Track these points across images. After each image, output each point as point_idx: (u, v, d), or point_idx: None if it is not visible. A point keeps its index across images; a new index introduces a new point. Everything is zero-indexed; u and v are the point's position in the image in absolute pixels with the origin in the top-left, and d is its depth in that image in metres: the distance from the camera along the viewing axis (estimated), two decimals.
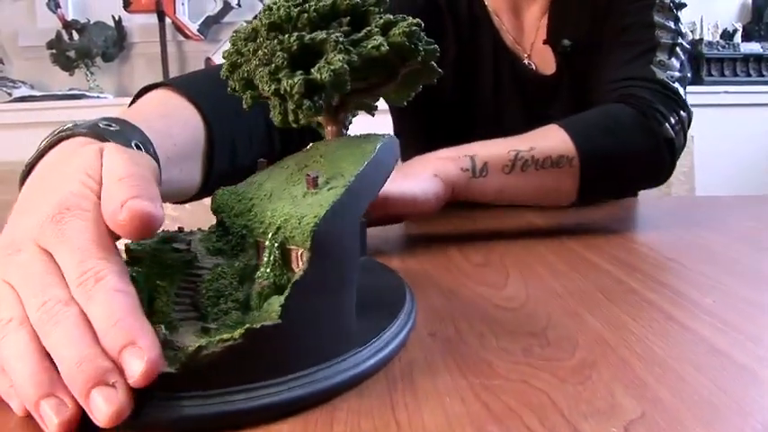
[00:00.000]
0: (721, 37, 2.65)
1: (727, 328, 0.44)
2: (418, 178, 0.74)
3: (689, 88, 0.95)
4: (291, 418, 0.33)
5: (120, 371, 0.31)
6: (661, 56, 0.93)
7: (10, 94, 2.37)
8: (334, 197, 0.37)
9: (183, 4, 2.42)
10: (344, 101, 0.46)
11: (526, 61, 1.07)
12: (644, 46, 0.94)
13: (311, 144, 0.47)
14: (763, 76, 2.58)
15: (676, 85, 0.91)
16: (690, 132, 0.94)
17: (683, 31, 0.98)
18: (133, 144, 0.47)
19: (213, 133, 0.65)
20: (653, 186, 0.92)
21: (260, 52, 0.43)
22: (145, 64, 2.53)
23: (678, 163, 0.90)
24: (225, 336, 0.32)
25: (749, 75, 2.57)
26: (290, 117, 0.43)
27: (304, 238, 0.35)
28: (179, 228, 0.46)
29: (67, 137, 0.45)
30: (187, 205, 0.69)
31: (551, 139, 0.81)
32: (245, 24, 0.46)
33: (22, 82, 2.44)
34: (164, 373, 0.31)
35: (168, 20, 2.42)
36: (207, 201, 0.66)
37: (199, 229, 0.46)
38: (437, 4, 1.06)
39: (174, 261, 0.41)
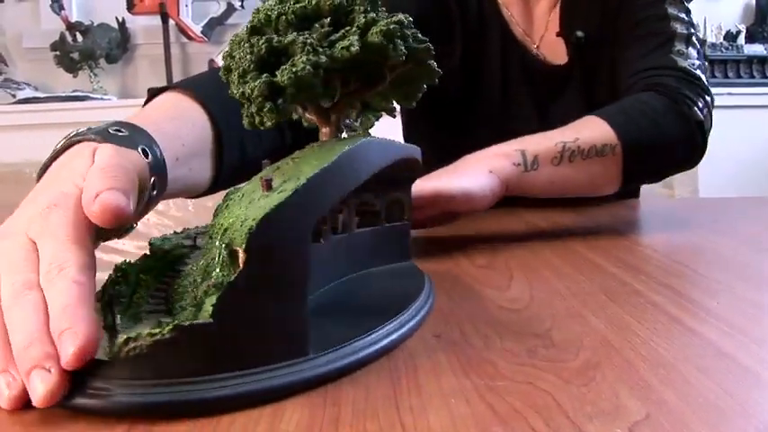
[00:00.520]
0: (725, 39, 2.65)
1: (731, 331, 0.44)
2: (473, 175, 0.75)
3: None
4: (297, 417, 0.33)
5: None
6: (679, 45, 0.97)
7: (14, 96, 2.37)
8: (277, 200, 0.36)
9: (186, 5, 2.42)
10: (336, 102, 0.46)
11: (535, 52, 1.08)
12: (661, 37, 0.98)
13: (309, 145, 0.47)
14: (766, 77, 2.58)
15: (698, 71, 0.94)
16: None
17: (695, 22, 1.01)
18: (140, 149, 0.49)
19: (221, 132, 0.67)
20: (687, 169, 0.95)
21: (237, 56, 0.44)
22: (148, 65, 2.54)
23: None
24: (154, 330, 0.33)
25: (753, 76, 2.57)
26: (256, 119, 0.43)
27: (242, 240, 0.35)
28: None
29: (78, 141, 0.47)
30: (190, 207, 0.70)
31: (593, 129, 0.84)
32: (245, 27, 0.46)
33: (26, 83, 2.45)
34: (98, 360, 0.34)
35: (172, 21, 2.42)
36: (209, 200, 0.67)
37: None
38: (446, 1, 1.06)
39: (162, 257, 0.44)
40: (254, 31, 0.44)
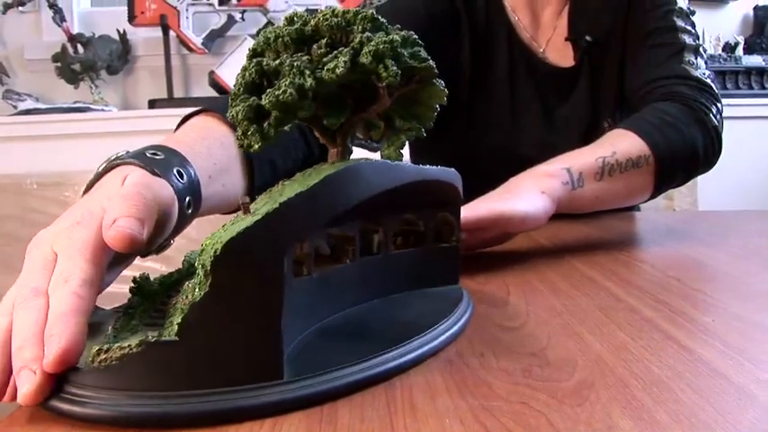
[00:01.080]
0: (723, 50, 2.65)
1: (726, 349, 0.45)
2: (528, 197, 0.76)
3: None
4: None
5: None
6: (689, 56, 1.01)
7: (15, 107, 2.38)
8: (245, 225, 0.36)
9: (187, 17, 2.43)
10: (342, 124, 0.46)
11: (541, 56, 1.11)
12: (672, 48, 1.02)
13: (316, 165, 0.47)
14: (765, 88, 2.58)
15: (708, 80, 0.99)
16: None
17: (699, 34, 1.06)
18: (175, 170, 0.53)
19: None
20: (706, 172, 0.98)
21: (237, 79, 0.44)
22: (149, 77, 2.54)
23: None
24: (124, 344, 0.36)
25: (751, 87, 2.57)
26: (244, 142, 0.43)
27: (209, 262, 0.36)
28: None
29: (118, 165, 0.51)
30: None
31: (627, 142, 0.87)
32: (248, 38, 0.46)
33: (28, 95, 2.45)
34: (76, 367, 0.37)
35: (172, 33, 2.43)
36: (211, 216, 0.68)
37: None
38: (454, 6, 1.09)
39: (178, 271, 0.46)
40: (255, 54, 0.44)
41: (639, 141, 0.87)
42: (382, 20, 0.45)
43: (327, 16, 0.44)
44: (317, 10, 0.45)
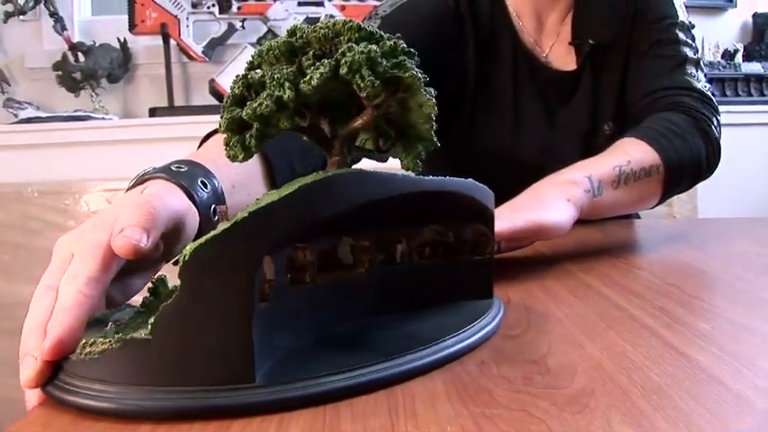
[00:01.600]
0: (722, 57, 2.66)
1: (725, 356, 0.45)
2: (558, 206, 0.78)
3: None
4: None
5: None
6: (690, 69, 1.04)
7: (16, 115, 2.38)
8: (215, 233, 0.38)
9: (187, 26, 2.44)
10: (335, 134, 0.46)
11: (543, 60, 1.13)
12: (675, 60, 1.05)
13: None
14: (764, 95, 2.59)
15: (709, 93, 1.02)
16: None
17: (699, 48, 1.10)
18: (199, 181, 0.57)
19: (269, 156, 0.74)
20: (703, 180, 1.01)
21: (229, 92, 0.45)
22: (150, 85, 2.55)
23: None
24: (106, 339, 0.39)
25: (750, 94, 2.58)
26: (230, 153, 0.45)
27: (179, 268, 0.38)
28: None
29: (146, 180, 0.56)
30: None
31: (639, 152, 0.89)
32: (248, 46, 0.47)
33: (28, 103, 2.46)
34: (68, 358, 0.40)
35: (173, 42, 2.43)
36: None
37: None
38: (458, 11, 1.10)
39: None
40: (252, 67, 0.45)
41: (651, 151, 0.90)
42: (372, 29, 0.45)
43: (317, 28, 0.44)
44: (317, 19, 0.46)
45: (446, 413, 0.37)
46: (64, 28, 2.44)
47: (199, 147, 0.74)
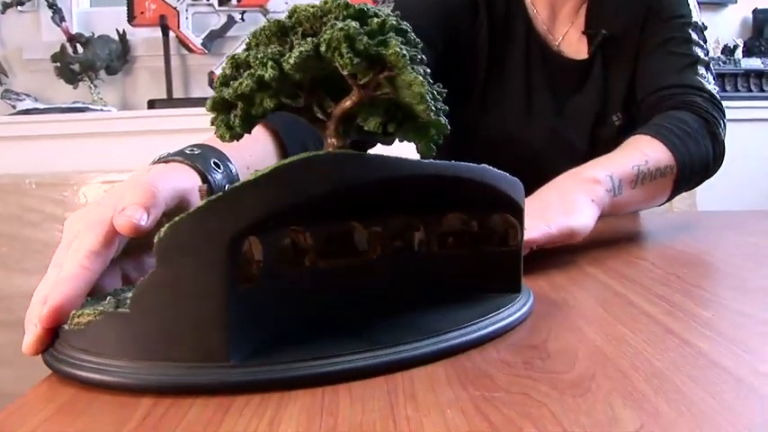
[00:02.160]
0: (722, 53, 2.66)
1: (726, 342, 0.45)
2: (586, 209, 0.78)
3: None
4: (294, 426, 0.33)
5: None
6: (701, 69, 1.05)
7: (14, 107, 2.37)
8: (190, 211, 0.38)
9: (186, 18, 2.43)
10: (329, 115, 0.45)
11: (556, 48, 1.14)
12: (687, 59, 1.06)
13: None
14: (764, 91, 2.58)
15: (718, 96, 1.03)
16: None
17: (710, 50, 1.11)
18: (212, 162, 0.59)
19: (282, 138, 0.77)
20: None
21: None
22: (149, 77, 2.54)
23: None
24: (90, 312, 0.41)
25: (750, 90, 2.58)
26: (216, 132, 0.45)
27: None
28: None
29: (163, 161, 0.58)
30: None
31: (655, 152, 0.90)
32: (247, 39, 0.47)
33: (27, 94, 2.45)
34: (61, 327, 0.42)
35: (172, 34, 2.43)
36: None
37: None
38: None
39: None
40: (248, 48, 0.45)
41: (666, 152, 0.91)
42: (363, 6, 0.43)
43: (308, 6, 0.43)
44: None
45: (446, 396, 0.37)
46: (62, 19, 2.43)
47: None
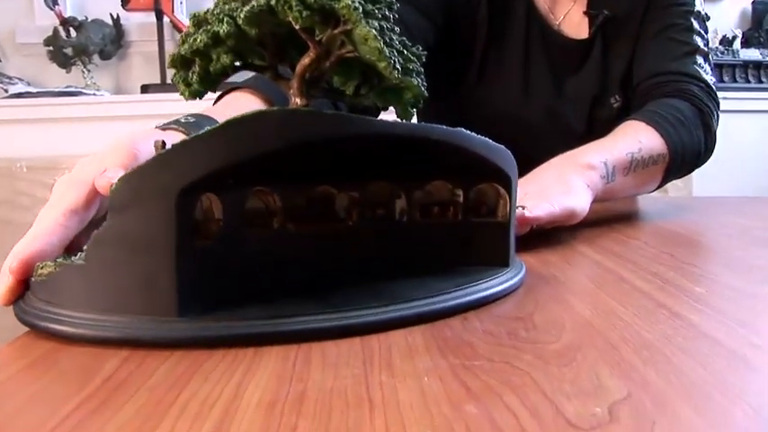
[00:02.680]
0: (721, 43, 2.65)
1: (718, 315, 0.43)
2: (581, 193, 0.78)
3: None
4: (259, 394, 0.32)
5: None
6: (699, 59, 1.04)
7: (6, 91, 2.35)
8: (143, 163, 0.38)
9: (180, 2, 2.41)
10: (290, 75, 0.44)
11: (556, 28, 1.12)
12: (687, 47, 1.05)
13: None
14: (762, 82, 2.57)
15: (714, 87, 1.02)
16: None
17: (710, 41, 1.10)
18: (206, 128, 0.56)
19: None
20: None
21: None
22: (142, 62, 2.53)
23: None
24: (51, 264, 0.41)
25: (748, 81, 2.56)
26: (178, 90, 0.45)
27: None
28: None
29: (160, 128, 0.58)
30: None
31: (649, 139, 0.90)
32: None
33: (19, 78, 2.43)
34: (32, 278, 0.42)
35: (166, 18, 2.41)
36: None
37: None
38: None
39: None
40: (215, 7, 0.44)
41: (660, 140, 0.90)
42: None
43: None
44: None
45: (424, 364, 0.35)
46: (56, 2, 2.41)
47: (214, 104, 0.76)
